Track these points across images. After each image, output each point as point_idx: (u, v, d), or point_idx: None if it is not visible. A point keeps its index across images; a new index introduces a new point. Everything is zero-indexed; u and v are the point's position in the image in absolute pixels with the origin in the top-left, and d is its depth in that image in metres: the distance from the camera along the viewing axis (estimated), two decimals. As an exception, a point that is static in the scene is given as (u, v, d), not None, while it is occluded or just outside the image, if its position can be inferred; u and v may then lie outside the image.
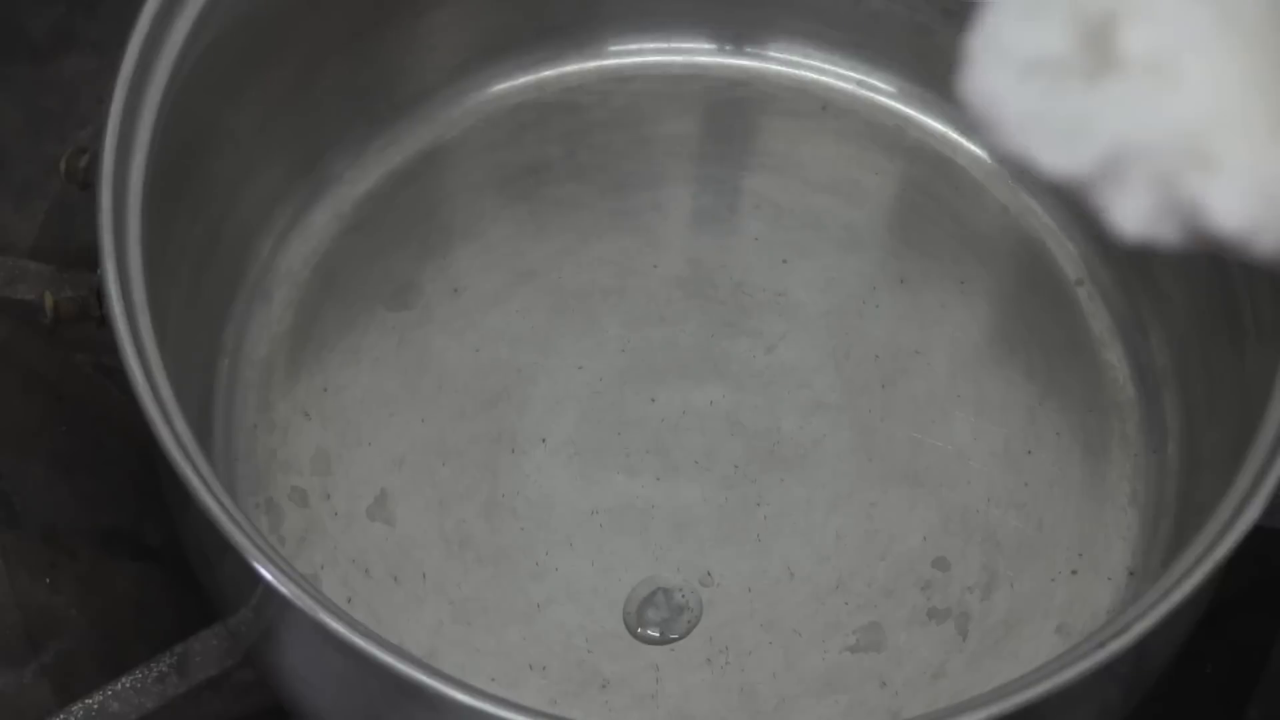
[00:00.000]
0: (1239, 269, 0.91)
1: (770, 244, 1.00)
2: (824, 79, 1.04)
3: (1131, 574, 0.93)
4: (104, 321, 0.81)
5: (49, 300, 0.90)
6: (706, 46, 1.05)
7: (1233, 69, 0.51)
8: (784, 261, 0.99)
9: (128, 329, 0.80)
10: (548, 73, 1.04)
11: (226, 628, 0.86)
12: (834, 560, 0.92)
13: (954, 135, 1.03)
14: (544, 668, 0.89)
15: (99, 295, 0.82)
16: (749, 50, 1.05)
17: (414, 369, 0.96)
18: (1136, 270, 0.99)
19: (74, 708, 0.86)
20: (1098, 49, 0.51)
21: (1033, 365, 0.98)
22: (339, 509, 0.93)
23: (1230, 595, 0.87)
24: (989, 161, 1.03)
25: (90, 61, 1.06)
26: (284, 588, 0.76)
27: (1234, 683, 0.94)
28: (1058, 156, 0.52)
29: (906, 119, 1.03)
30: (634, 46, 1.04)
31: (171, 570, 0.94)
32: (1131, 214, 0.52)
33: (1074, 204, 1.01)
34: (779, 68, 1.05)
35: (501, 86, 1.03)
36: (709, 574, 0.92)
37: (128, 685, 0.86)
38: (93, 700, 0.86)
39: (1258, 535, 0.79)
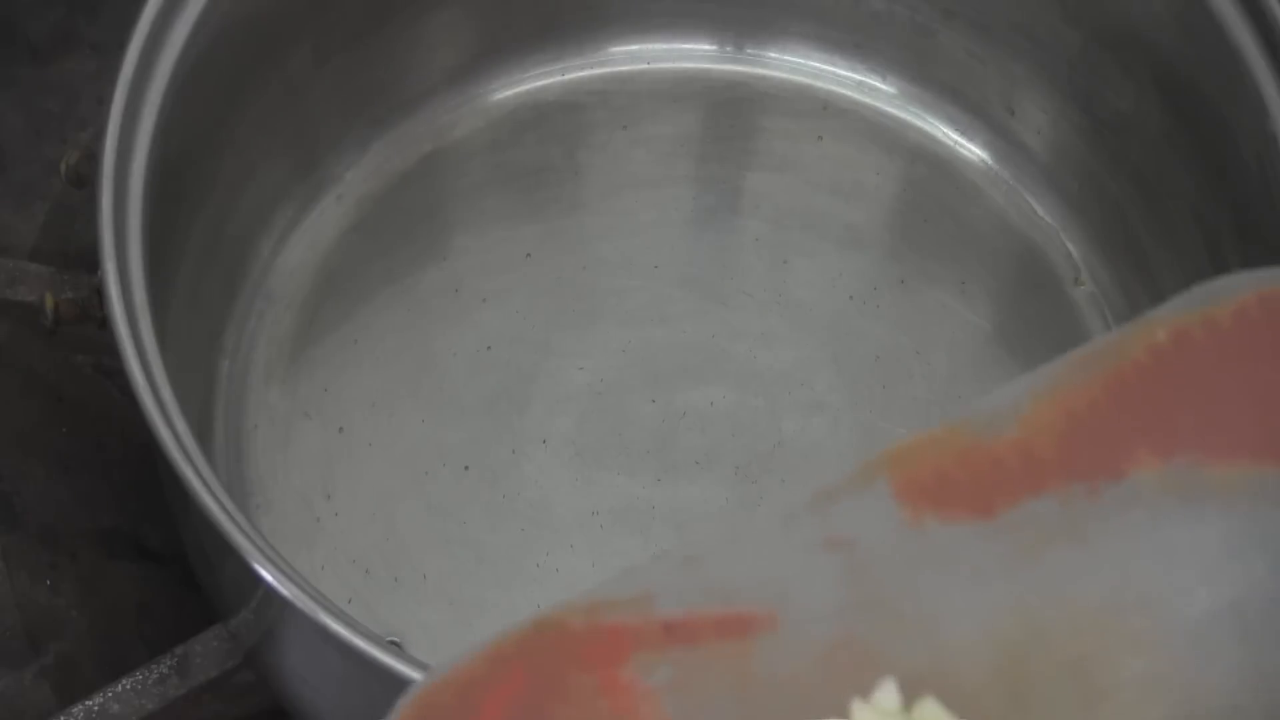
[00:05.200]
0: (1239, 269, 0.91)
1: (770, 244, 1.00)
2: (824, 79, 1.04)
3: (1132, 574, 0.93)
4: (104, 322, 0.81)
5: (49, 301, 0.90)
6: (707, 48, 1.05)
7: None
8: (784, 262, 0.99)
9: (128, 329, 0.80)
10: (548, 73, 1.04)
11: (227, 629, 0.86)
12: (834, 561, 0.92)
13: (954, 135, 1.03)
14: (544, 668, 0.89)
15: (99, 296, 0.82)
16: (749, 51, 1.05)
17: (414, 369, 0.96)
18: (1136, 271, 0.99)
19: (74, 709, 0.85)
20: None
21: (1032, 365, 0.96)
22: (340, 509, 0.93)
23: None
24: (989, 162, 1.03)
25: (91, 63, 1.06)
26: (284, 589, 0.76)
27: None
28: None
29: (906, 119, 1.04)
30: (634, 47, 1.04)
31: (172, 571, 0.94)
32: None
33: (1076, 204, 1.02)
34: (779, 68, 1.05)
35: (502, 87, 1.03)
36: (709, 575, 0.91)
37: (128, 686, 0.86)
38: (93, 701, 0.86)
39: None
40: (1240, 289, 0.71)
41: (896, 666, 0.65)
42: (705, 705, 0.65)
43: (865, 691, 0.65)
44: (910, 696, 0.65)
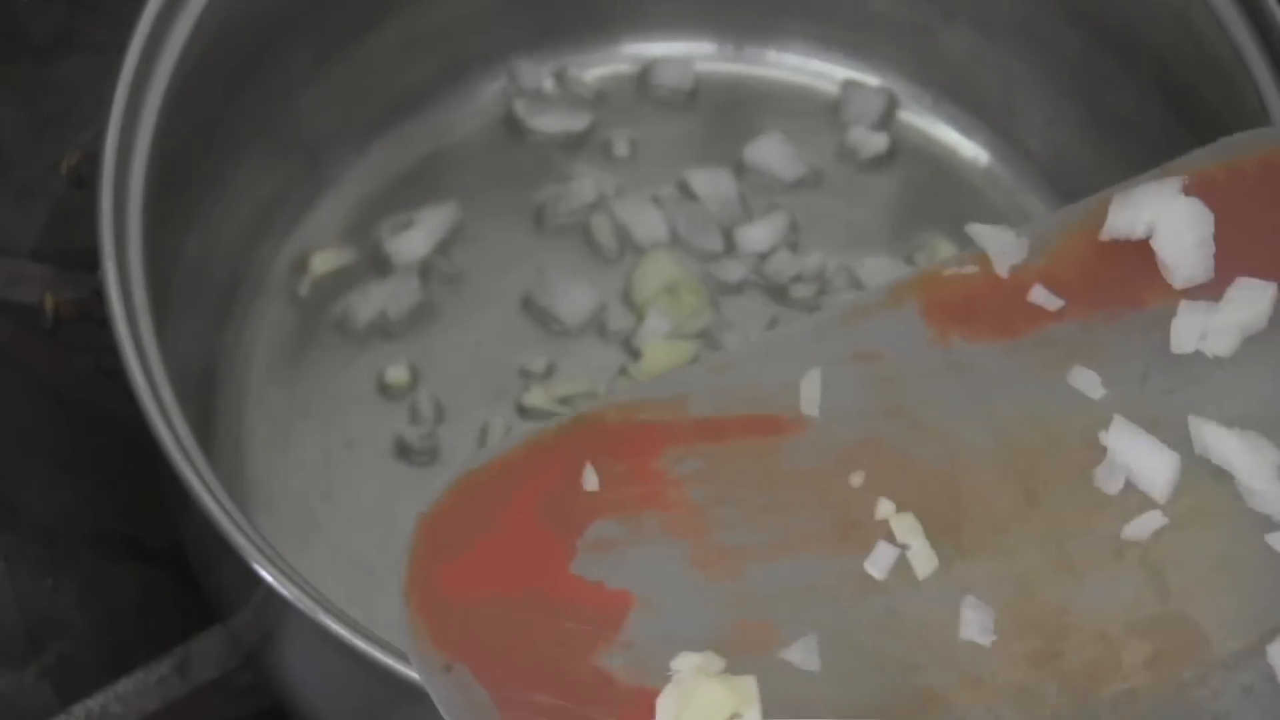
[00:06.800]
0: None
1: (771, 244, 1.00)
2: (824, 79, 1.04)
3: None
4: (104, 322, 0.81)
5: (50, 302, 0.90)
6: (707, 48, 1.05)
7: None
8: (785, 261, 0.99)
9: (128, 330, 0.80)
10: (548, 74, 1.04)
11: (227, 629, 0.86)
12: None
13: (954, 135, 1.03)
14: (545, 668, 0.89)
15: (99, 296, 0.82)
16: (749, 51, 1.05)
17: (415, 369, 0.96)
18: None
19: (74, 709, 0.86)
20: None
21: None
22: (340, 509, 0.93)
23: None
24: (989, 162, 1.03)
25: (91, 63, 1.06)
26: (284, 589, 0.76)
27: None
28: None
29: (906, 119, 1.04)
30: (635, 48, 1.04)
31: (172, 572, 0.94)
32: None
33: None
34: (779, 68, 1.05)
35: (502, 87, 1.03)
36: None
37: (129, 687, 0.86)
38: (94, 702, 0.86)
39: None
40: (1262, 142, 0.75)
41: (915, 466, 0.69)
42: (730, 493, 0.68)
43: (883, 488, 0.68)
44: (923, 495, 0.68)
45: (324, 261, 0.98)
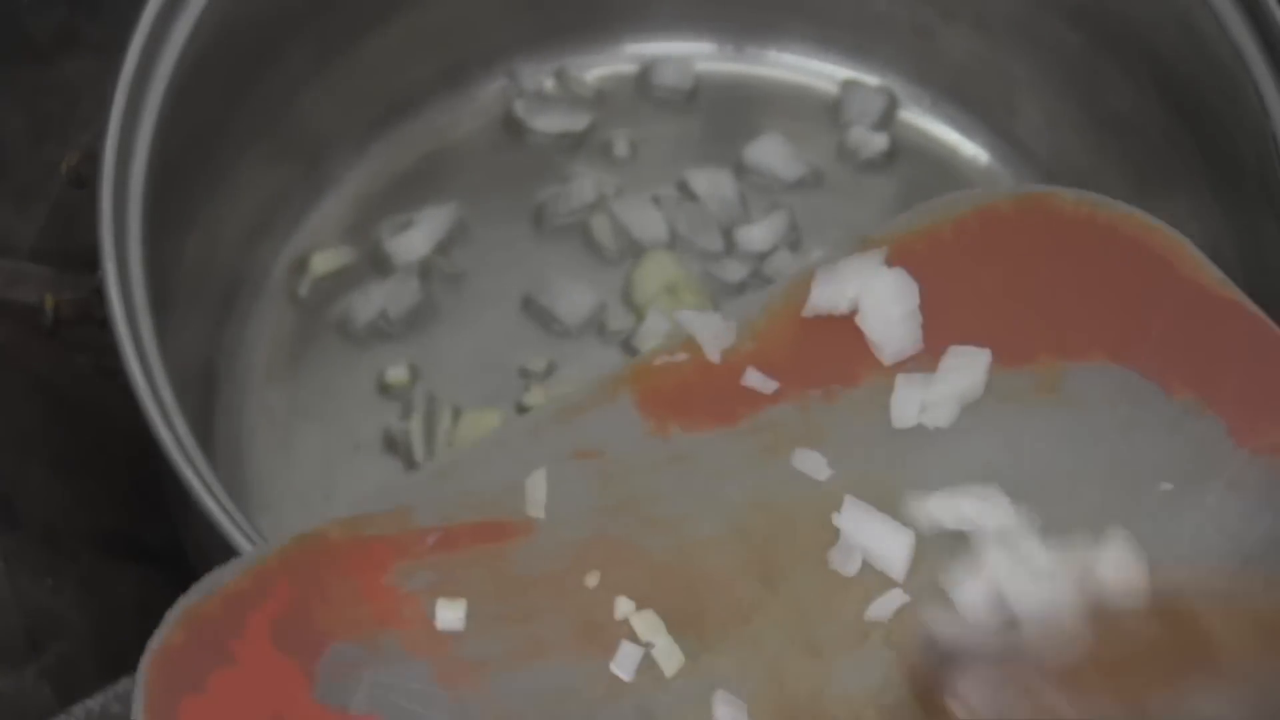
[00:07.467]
0: (1238, 268, 0.91)
1: (771, 244, 1.00)
2: (824, 79, 1.04)
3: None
4: (104, 322, 0.81)
5: (49, 302, 0.90)
6: (708, 47, 1.05)
7: None
8: (785, 262, 0.99)
9: (128, 330, 0.80)
10: (548, 73, 1.04)
11: (227, 629, 0.86)
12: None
13: (954, 135, 1.03)
14: (545, 668, 0.89)
15: (99, 296, 0.82)
16: (749, 51, 1.05)
17: (415, 369, 0.96)
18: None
19: (74, 709, 0.85)
20: None
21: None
22: (340, 509, 0.93)
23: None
24: (989, 162, 1.03)
25: (92, 64, 1.06)
26: (284, 589, 0.76)
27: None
28: None
29: (906, 119, 1.04)
30: (635, 47, 1.04)
31: (172, 572, 0.94)
32: None
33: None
34: (779, 68, 1.05)
35: (501, 87, 1.03)
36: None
37: (129, 687, 0.85)
38: (94, 702, 0.86)
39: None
40: (957, 205, 0.74)
41: (650, 561, 0.68)
42: (467, 605, 0.67)
43: (620, 586, 0.67)
44: (661, 589, 0.67)
45: (324, 261, 0.98)
